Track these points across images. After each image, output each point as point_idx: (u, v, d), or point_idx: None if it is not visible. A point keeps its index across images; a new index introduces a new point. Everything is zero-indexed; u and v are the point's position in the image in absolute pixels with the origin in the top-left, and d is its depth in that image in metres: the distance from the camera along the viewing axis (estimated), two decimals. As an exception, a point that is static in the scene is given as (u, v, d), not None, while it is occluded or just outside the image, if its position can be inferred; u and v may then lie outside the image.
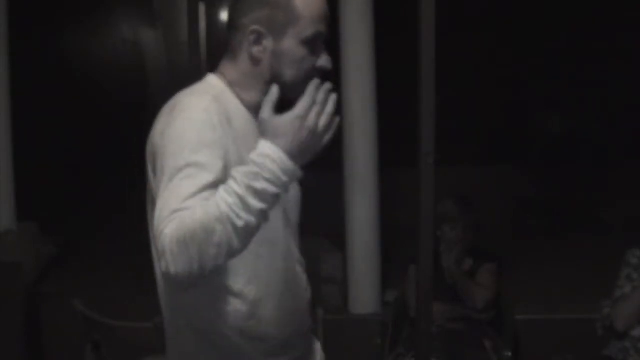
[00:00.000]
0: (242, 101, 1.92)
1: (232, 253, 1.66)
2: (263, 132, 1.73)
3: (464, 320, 3.90)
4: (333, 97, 1.74)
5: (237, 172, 1.67)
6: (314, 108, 1.71)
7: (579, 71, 8.37)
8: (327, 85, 1.75)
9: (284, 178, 1.67)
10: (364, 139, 4.90)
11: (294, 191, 2.00)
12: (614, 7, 7.84)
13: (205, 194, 1.68)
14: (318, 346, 2.18)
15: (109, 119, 8.55)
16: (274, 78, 1.88)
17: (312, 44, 1.88)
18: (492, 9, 8.38)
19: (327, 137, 1.73)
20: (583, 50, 8.29)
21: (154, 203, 1.76)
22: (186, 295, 1.87)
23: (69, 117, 8.09)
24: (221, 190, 1.66)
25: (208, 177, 1.70)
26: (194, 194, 1.67)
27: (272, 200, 1.67)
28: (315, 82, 1.75)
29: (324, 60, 1.91)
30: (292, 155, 1.68)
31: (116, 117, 8.59)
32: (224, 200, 1.63)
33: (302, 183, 1.76)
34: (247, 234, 1.65)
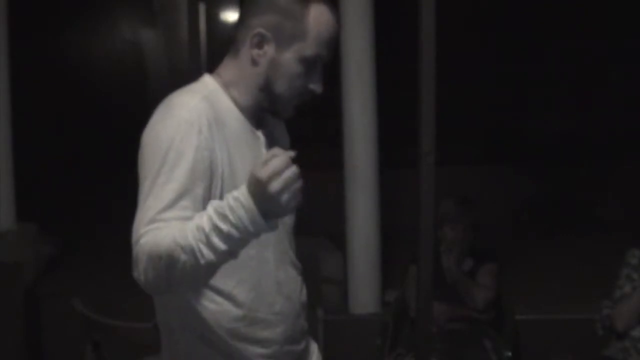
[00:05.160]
0: (236, 103, 1.91)
1: (198, 279, 1.71)
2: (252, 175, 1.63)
3: (464, 320, 3.90)
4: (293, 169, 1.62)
5: (212, 205, 1.65)
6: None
7: (579, 71, 8.37)
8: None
9: (251, 228, 1.62)
10: (364, 139, 4.90)
11: None
12: (613, 7, 7.84)
13: (184, 202, 1.72)
14: (314, 347, 2.16)
15: (108, 119, 8.55)
16: (266, 85, 1.88)
17: (310, 64, 1.88)
18: (492, 8, 8.38)
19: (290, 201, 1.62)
20: (583, 50, 8.29)
21: None
22: (177, 296, 1.87)
23: (69, 117, 8.10)
24: (195, 219, 1.65)
25: (187, 182, 1.73)
26: (173, 204, 1.71)
27: (238, 243, 1.64)
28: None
29: (316, 84, 1.90)
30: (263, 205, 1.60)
31: (116, 117, 8.59)
32: (192, 232, 1.63)
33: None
34: (211, 267, 1.67)
